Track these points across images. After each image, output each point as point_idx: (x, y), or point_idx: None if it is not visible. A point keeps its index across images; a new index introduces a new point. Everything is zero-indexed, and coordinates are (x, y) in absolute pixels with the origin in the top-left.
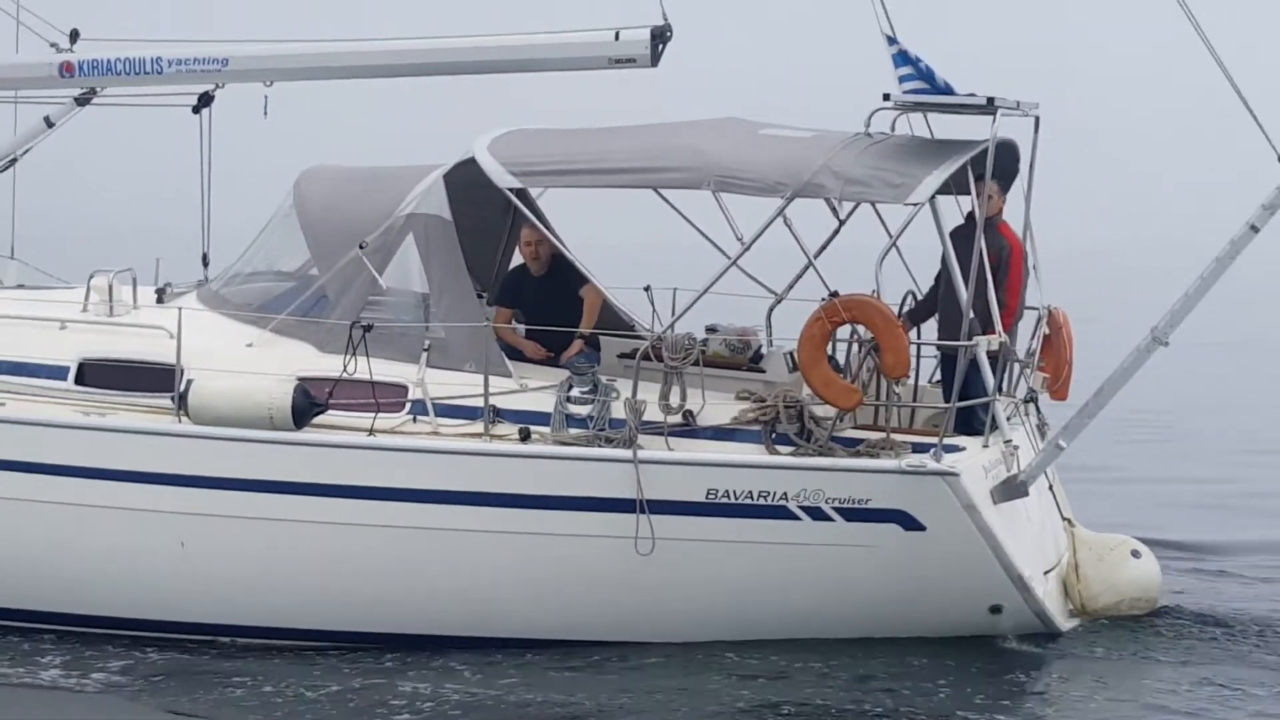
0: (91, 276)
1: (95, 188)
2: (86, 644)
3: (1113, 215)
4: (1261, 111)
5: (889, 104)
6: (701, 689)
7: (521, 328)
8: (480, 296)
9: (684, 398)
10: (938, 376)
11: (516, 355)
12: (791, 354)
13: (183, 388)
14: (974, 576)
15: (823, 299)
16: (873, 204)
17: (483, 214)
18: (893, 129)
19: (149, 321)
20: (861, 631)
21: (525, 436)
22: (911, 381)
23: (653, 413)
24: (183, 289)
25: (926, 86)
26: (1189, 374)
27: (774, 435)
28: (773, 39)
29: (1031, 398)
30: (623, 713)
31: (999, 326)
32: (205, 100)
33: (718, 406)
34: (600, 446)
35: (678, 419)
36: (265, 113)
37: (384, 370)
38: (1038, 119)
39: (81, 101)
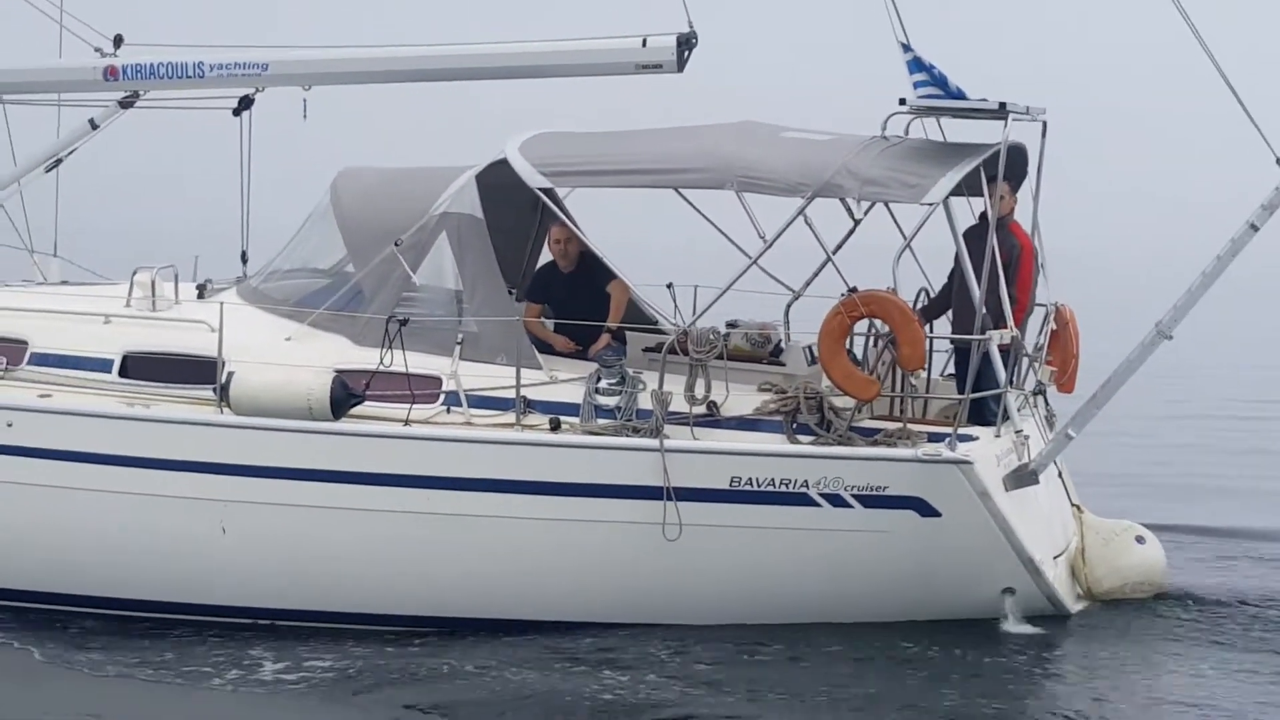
0: (135, 273)
1: (131, 187)
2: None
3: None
4: (1260, 114)
5: (904, 108)
6: (718, 675)
7: (550, 322)
8: (510, 293)
9: (709, 389)
10: (949, 370)
11: (546, 349)
12: (810, 348)
13: (224, 379)
14: (987, 560)
15: (842, 294)
16: (887, 204)
17: (512, 213)
18: (906, 133)
19: (191, 316)
20: (878, 615)
21: (555, 426)
22: (925, 375)
23: (678, 404)
24: (223, 285)
25: (940, 92)
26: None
27: (795, 425)
28: (792, 48)
29: (1040, 390)
30: (639, 695)
31: (1011, 322)
32: (245, 103)
33: (740, 398)
34: (628, 436)
35: (702, 410)
36: (304, 115)
37: (419, 363)
38: (1045, 123)
39: (125, 104)
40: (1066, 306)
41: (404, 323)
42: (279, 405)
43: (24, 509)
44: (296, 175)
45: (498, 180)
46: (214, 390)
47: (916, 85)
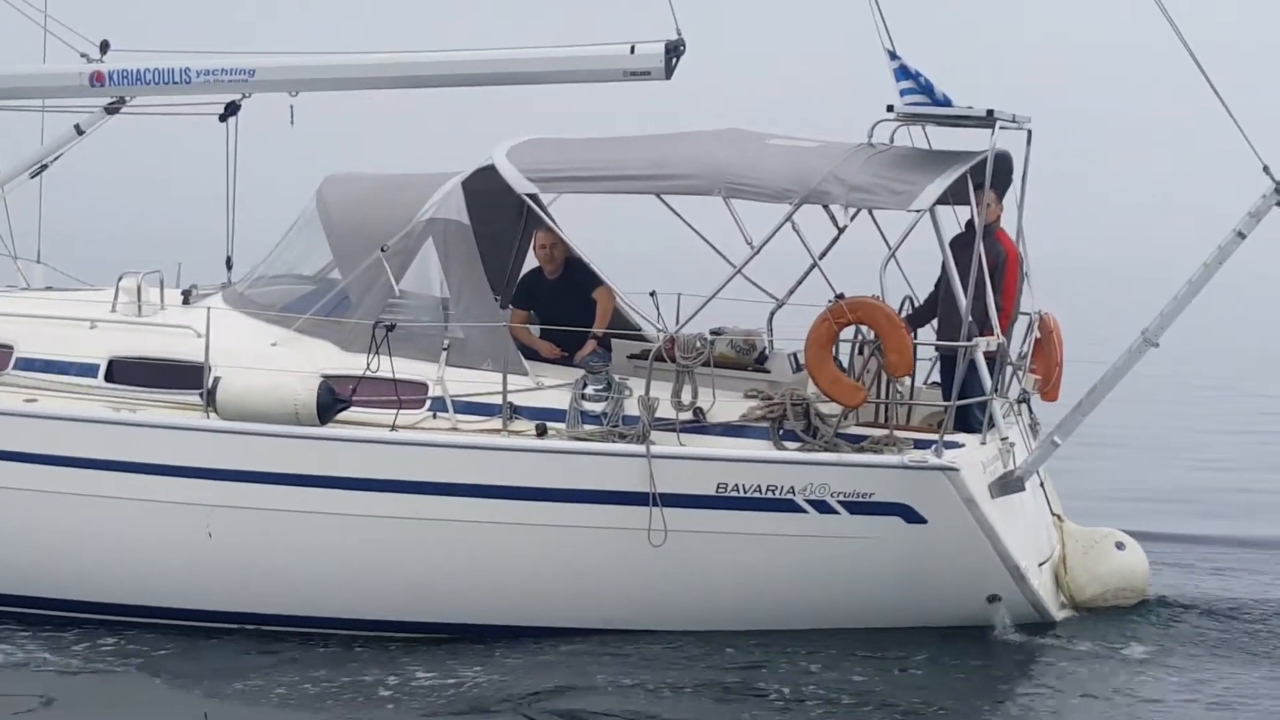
0: (120, 278)
1: (113, 192)
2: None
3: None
4: (1247, 121)
5: (892, 115)
6: (700, 679)
7: (536, 328)
8: (495, 299)
9: (695, 396)
10: (933, 378)
11: (532, 355)
12: (795, 355)
13: (211, 384)
14: (973, 567)
15: (829, 301)
16: (870, 211)
17: (497, 220)
18: (891, 141)
19: (177, 321)
20: (865, 621)
21: (542, 432)
22: (909, 382)
23: (664, 410)
24: (208, 290)
25: (926, 100)
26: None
27: (781, 432)
28: (778, 55)
29: (1024, 398)
30: (625, 699)
31: (997, 329)
32: (232, 109)
33: (726, 404)
34: (614, 442)
35: (689, 416)
36: (291, 121)
37: (405, 368)
38: (1030, 131)
39: (111, 110)
40: (1050, 315)
41: (391, 328)
42: (266, 410)
43: (9, 514)
44: (282, 181)
45: (484, 186)
46: (201, 395)
47: (903, 93)
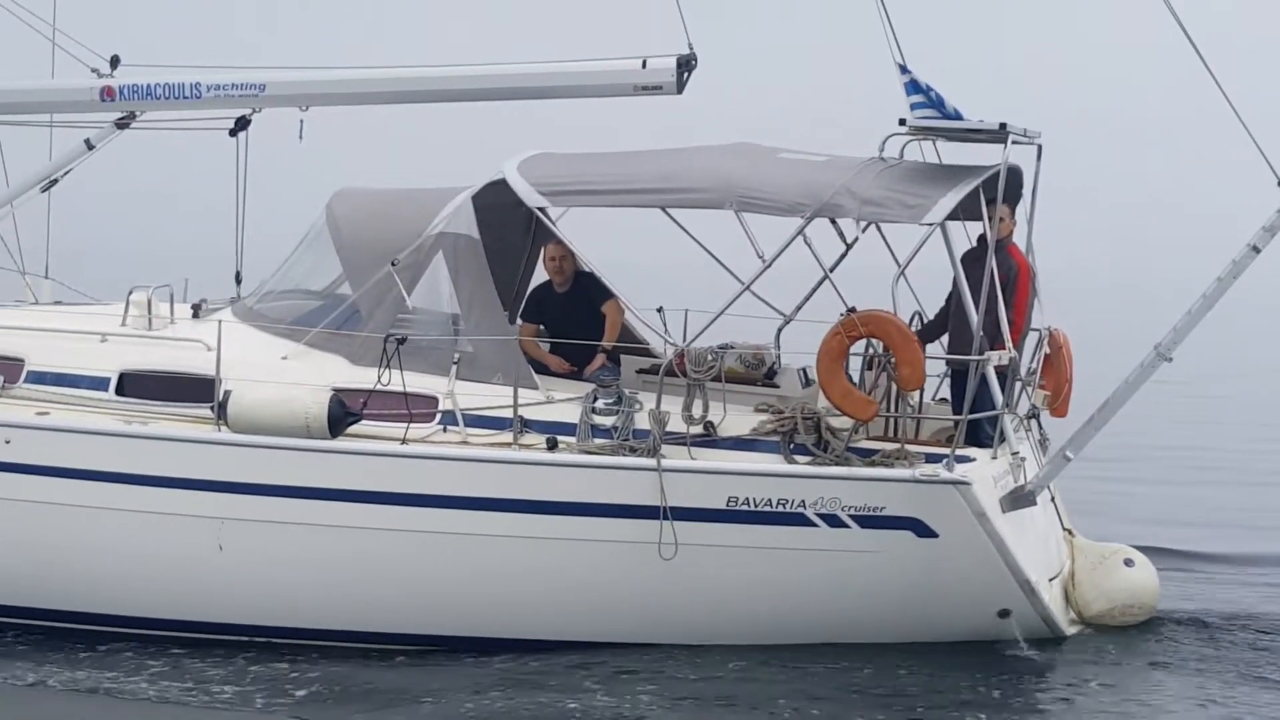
0: (131, 292)
1: (122, 207)
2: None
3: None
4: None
5: (904, 129)
6: (714, 692)
7: (546, 342)
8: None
9: (706, 410)
10: (942, 394)
11: (542, 369)
12: (805, 370)
13: (221, 397)
14: (984, 581)
15: (841, 314)
16: (879, 226)
17: (507, 234)
18: (901, 155)
19: (187, 335)
20: (875, 636)
21: (553, 446)
22: (918, 397)
23: (675, 424)
24: (218, 305)
25: (937, 114)
26: None
27: (792, 446)
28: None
29: (1034, 414)
30: (633, 715)
31: (1009, 343)
32: (242, 124)
33: (737, 418)
34: (625, 456)
35: (699, 430)
36: (300, 136)
37: (415, 382)
38: (1040, 146)
39: (121, 125)
40: (1060, 331)
41: (401, 341)
42: (277, 423)
43: (21, 526)
44: (290, 196)
45: (494, 201)
46: (212, 408)
47: (914, 107)
